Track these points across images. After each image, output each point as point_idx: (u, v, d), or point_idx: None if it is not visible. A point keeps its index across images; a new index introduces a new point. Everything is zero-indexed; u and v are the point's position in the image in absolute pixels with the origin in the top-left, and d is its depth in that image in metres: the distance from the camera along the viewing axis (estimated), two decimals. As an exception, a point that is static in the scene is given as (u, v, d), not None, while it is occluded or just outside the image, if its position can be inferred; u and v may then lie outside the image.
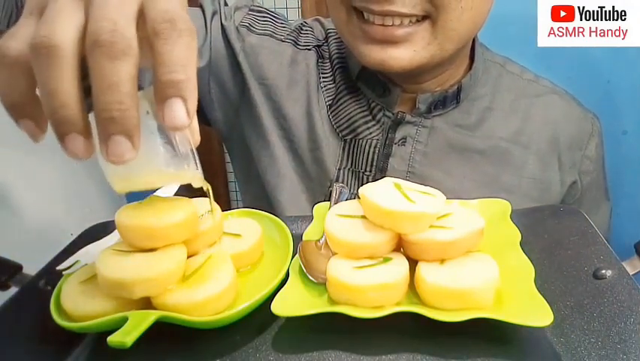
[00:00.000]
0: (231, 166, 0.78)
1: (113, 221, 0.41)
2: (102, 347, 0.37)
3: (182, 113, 0.29)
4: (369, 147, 0.65)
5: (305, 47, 0.69)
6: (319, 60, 0.69)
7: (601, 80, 1.14)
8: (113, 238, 0.48)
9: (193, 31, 0.29)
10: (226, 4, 0.71)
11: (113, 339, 0.35)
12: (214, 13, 0.68)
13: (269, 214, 0.52)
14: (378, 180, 0.64)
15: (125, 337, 0.35)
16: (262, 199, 0.69)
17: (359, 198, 0.45)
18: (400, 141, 0.65)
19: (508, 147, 0.66)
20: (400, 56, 0.55)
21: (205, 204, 0.48)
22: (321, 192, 0.67)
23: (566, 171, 0.68)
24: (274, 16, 0.71)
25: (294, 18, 1.43)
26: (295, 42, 0.69)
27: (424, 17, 0.54)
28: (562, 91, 0.72)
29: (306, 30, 0.71)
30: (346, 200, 0.51)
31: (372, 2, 0.52)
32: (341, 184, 0.58)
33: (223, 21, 0.68)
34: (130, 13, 0.29)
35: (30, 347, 0.41)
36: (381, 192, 0.43)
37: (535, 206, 0.57)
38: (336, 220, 0.44)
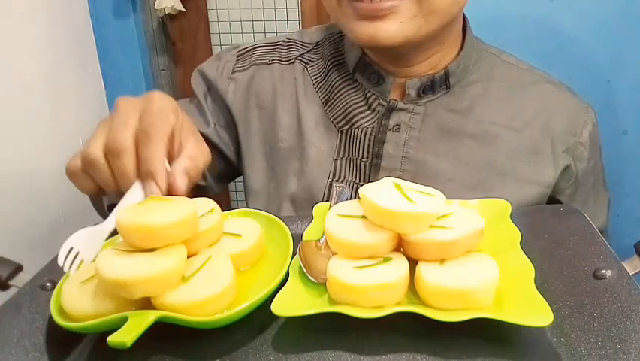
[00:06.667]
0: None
1: (113, 221, 0.42)
2: (102, 347, 0.37)
3: (154, 187, 0.46)
4: (365, 134, 0.69)
5: (289, 62, 0.76)
6: (307, 66, 0.75)
7: (601, 80, 1.14)
8: (107, 224, 0.47)
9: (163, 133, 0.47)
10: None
11: (113, 339, 0.35)
12: (205, 93, 0.76)
13: (269, 214, 0.52)
14: (374, 165, 0.68)
15: (125, 337, 0.35)
16: (269, 204, 0.74)
17: (359, 198, 0.45)
18: (394, 127, 0.68)
19: (500, 132, 0.68)
20: (388, 29, 0.59)
21: (205, 204, 0.48)
22: (320, 187, 0.69)
23: (559, 155, 0.69)
24: (259, 46, 0.78)
25: (294, 18, 1.47)
26: (280, 60, 0.76)
27: None
28: (557, 81, 0.73)
29: (287, 45, 0.78)
30: (346, 200, 0.51)
31: None
32: (341, 184, 0.58)
33: (215, 83, 0.75)
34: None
35: (30, 347, 0.41)
36: (381, 192, 0.43)
37: (535, 206, 0.57)
38: (336, 220, 0.44)
